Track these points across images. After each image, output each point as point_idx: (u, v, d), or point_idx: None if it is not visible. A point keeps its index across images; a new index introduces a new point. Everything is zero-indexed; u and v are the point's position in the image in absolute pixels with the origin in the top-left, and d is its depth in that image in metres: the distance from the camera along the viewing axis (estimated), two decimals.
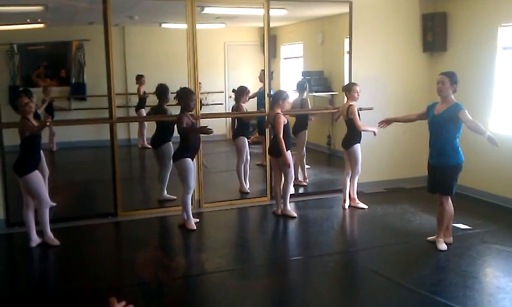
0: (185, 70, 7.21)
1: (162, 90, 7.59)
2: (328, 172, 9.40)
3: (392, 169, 8.30)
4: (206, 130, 6.21)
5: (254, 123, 8.97)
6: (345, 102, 7.35)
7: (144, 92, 10.69)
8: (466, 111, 5.39)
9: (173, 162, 6.59)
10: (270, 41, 7.60)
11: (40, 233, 5.99)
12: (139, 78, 10.86)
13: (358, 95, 7.14)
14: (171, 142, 7.40)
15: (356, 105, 7.11)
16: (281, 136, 6.60)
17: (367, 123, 7.09)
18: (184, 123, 6.28)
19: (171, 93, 7.33)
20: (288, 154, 6.72)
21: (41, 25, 9.89)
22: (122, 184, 7.15)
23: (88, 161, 10.38)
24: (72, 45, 11.48)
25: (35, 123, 5.85)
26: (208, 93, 10.88)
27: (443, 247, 5.71)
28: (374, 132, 6.90)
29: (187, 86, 6.89)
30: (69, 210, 7.38)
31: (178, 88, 6.54)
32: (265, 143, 7.92)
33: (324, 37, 9.97)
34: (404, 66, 8.32)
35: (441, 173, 5.55)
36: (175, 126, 6.53)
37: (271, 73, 7.79)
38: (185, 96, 6.36)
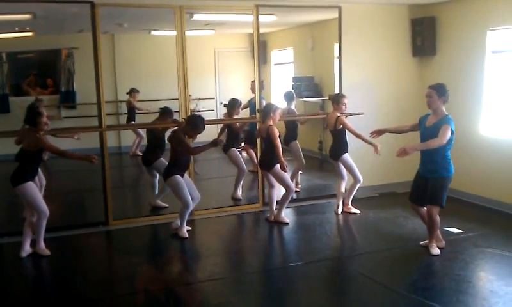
0: (175, 77, 7.18)
1: (165, 112, 7.44)
2: (319, 177, 9.39)
3: (384, 173, 8.30)
4: (216, 143, 6.34)
5: (245, 129, 8.93)
6: (330, 111, 7.34)
7: (133, 104, 10.60)
8: (450, 128, 5.32)
9: (164, 180, 6.54)
10: (260, 47, 7.59)
11: (33, 242, 5.94)
12: (132, 92, 10.73)
13: (346, 107, 7.15)
14: (162, 158, 7.36)
15: (342, 115, 7.13)
16: (279, 144, 6.60)
17: (357, 128, 7.08)
18: (185, 148, 6.28)
19: (162, 100, 7.29)
20: (277, 167, 6.70)
21: (30, 34, 9.84)
22: (113, 192, 7.10)
23: (79, 170, 10.26)
24: (62, 53, 11.41)
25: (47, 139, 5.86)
26: (199, 99, 10.85)
27: (436, 251, 5.70)
28: (375, 148, 6.83)
29: (201, 116, 6.81)
30: (60, 219, 7.30)
31: (172, 100, 6.49)
32: (251, 151, 7.92)
33: (314, 42, 9.98)
34: (394, 70, 8.34)
35: (433, 184, 5.54)
36: (166, 139, 6.51)
37: (261, 82, 7.77)
38: (196, 127, 6.34)
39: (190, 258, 6.26)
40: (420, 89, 8.16)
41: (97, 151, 7.00)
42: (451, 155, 5.54)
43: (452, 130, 5.36)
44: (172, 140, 6.40)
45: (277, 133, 6.66)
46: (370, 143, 6.79)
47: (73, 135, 6.69)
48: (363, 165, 7.72)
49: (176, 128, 6.73)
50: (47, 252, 5.93)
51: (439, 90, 5.49)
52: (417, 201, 5.77)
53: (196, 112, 8.04)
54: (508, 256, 5.67)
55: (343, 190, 7.31)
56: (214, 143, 6.37)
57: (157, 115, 7.58)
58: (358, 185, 7.26)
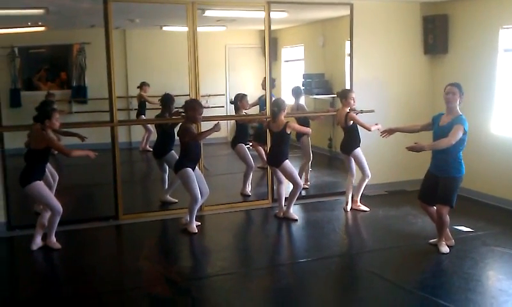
0: (186, 73, 7.21)
1: (166, 100, 7.57)
2: (329, 174, 9.38)
3: (393, 171, 8.29)
4: (215, 129, 6.27)
5: (254, 126, 8.94)
6: (339, 107, 7.34)
7: (144, 97, 10.67)
8: (462, 128, 5.30)
9: (174, 172, 6.58)
10: (271, 44, 7.60)
11: (44, 236, 6.00)
12: (143, 86, 10.82)
13: (354, 102, 7.16)
14: (173, 151, 7.41)
15: (351, 109, 7.13)
16: (300, 127, 7.25)
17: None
18: (190, 136, 6.28)
19: (174, 95, 7.31)
20: (287, 163, 6.74)
21: (42, 29, 9.88)
22: (123, 187, 7.15)
23: (89, 164, 10.30)
24: (73, 48, 11.47)
25: (53, 135, 5.89)
26: (209, 95, 10.87)
27: (446, 249, 5.69)
28: (380, 133, 6.79)
29: (194, 98, 6.88)
30: (70, 213, 7.33)
31: (182, 96, 6.53)
32: (260, 148, 7.95)
33: (325, 39, 9.96)
34: (405, 68, 8.31)
35: (443, 184, 5.52)
36: (176, 133, 6.54)
37: (272, 81, 7.78)
38: (193, 108, 6.36)
39: (199, 253, 6.29)
40: (431, 88, 8.19)
41: (108, 146, 7.06)
42: (463, 154, 5.52)
43: (465, 130, 5.34)
44: (179, 133, 6.44)
45: (297, 125, 7.08)
46: (378, 127, 6.85)
47: (80, 138, 6.75)
48: (372, 163, 7.71)
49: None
50: (58, 245, 5.98)
51: (460, 88, 5.50)
52: (427, 200, 5.76)
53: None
54: None
55: (351, 186, 7.31)
56: (216, 127, 6.30)
57: None
58: (366, 181, 7.26)
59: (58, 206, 5.88)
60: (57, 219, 5.92)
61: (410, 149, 5.27)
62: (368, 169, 7.21)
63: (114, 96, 6.91)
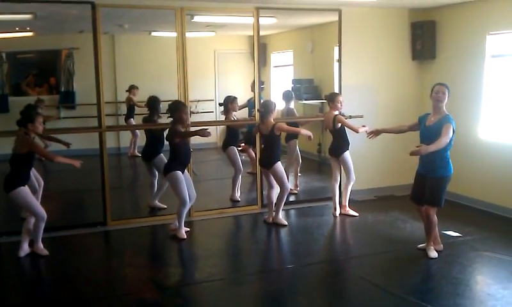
0: (175, 78, 7.19)
1: (152, 102, 7.58)
2: (318, 180, 9.39)
3: (382, 176, 8.32)
4: (204, 133, 6.16)
5: (243, 132, 8.95)
6: (327, 111, 7.37)
7: (133, 101, 10.63)
8: (452, 127, 5.35)
9: (163, 175, 6.57)
10: (260, 50, 7.62)
11: (31, 242, 5.94)
12: (132, 89, 10.77)
13: (341, 105, 7.19)
14: (162, 154, 7.38)
15: (340, 113, 7.16)
16: (291, 128, 7.09)
17: None
18: (179, 135, 6.26)
19: (163, 101, 7.31)
20: (279, 165, 6.74)
21: (30, 34, 9.84)
22: (112, 193, 7.11)
23: (77, 170, 10.27)
24: (62, 53, 11.41)
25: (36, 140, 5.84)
26: (198, 101, 10.85)
27: (434, 254, 5.71)
28: (366, 131, 6.78)
29: (178, 99, 6.88)
30: (58, 219, 7.30)
31: (170, 101, 6.52)
32: (251, 152, 7.94)
33: (313, 45, 9.99)
34: (393, 74, 8.36)
35: (431, 184, 5.56)
36: (165, 137, 6.52)
37: (261, 84, 7.79)
38: (178, 109, 6.34)
39: (188, 259, 6.27)
40: (420, 93, 8.23)
41: (96, 151, 7.03)
42: (451, 155, 5.55)
43: (453, 129, 5.39)
44: (168, 136, 6.42)
45: (285, 125, 6.93)
46: (365, 129, 6.82)
47: (65, 145, 6.72)
48: (362, 168, 7.76)
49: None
50: (45, 252, 5.93)
51: (448, 89, 5.55)
52: (418, 200, 5.78)
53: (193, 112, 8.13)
54: (506, 259, 5.68)
55: (337, 191, 7.32)
56: (205, 132, 6.18)
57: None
58: (351, 184, 7.28)
59: (42, 212, 5.83)
60: (42, 225, 5.86)
61: (415, 153, 5.25)
62: (353, 173, 7.22)
63: (103, 101, 6.88)
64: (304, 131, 6.92)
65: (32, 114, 5.82)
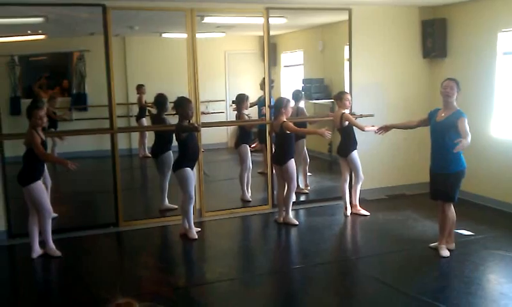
0: (186, 79, 7.23)
1: (160, 100, 7.63)
2: (329, 179, 9.38)
3: (393, 175, 8.29)
4: (194, 128, 6.23)
5: (255, 131, 8.98)
6: (336, 110, 7.37)
7: (146, 102, 10.70)
8: (466, 120, 5.35)
9: (173, 171, 6.60)
10: (270, 50, 7.63)
11: (42, 243, 5.98)
12: (140, 88, 10.87)
13: (350, 103, 7.20)
14: (171, 151, 7.42)
15: (347, 112, 7.15)
16: (299, 129, 6.92)
17: None
18: (185, 129, 6.29)
19: (171, 102, 7.34)
20: (292, 162, 6.75)
21: (42, 37, 9.92)
22: (123, 194, 7.15)
23: (89, 171, 10.36)
24: (73, 55, 11.50)
25: (42, 135, 5.85)
26: (209, 101, 10.88)
27: (446, 253, 5.68)
28: (375, 131, 6.75)
29: (184, 95, 6.91)
30: (70, 220, 7.37)
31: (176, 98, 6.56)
32: (266, 152, 7.95)
33: (324, 44, 9.98)
34: (404, 72, 8.33)
35: (444, 180, 5.54)
36: (174, 135, 6.55)
37: (271, 82, 7.81)
38: (183, 105, 6.38)
39: (199, 259, 6.29)
40: (431, 91, 8.19)
41: (108, 153, 7.08)
42: (463, 153, 5.52)
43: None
44: (176, 133, 6.44)
45: (292, 125, 6.76)
46: (373, 129, 6.74)
47: (61, 139, 6.79)
48: (372, 167, 7.74)
49: None
50: (58, 253, 5.97)
51: (458, 83, 5.53)
52: (435, 198, 5.75)
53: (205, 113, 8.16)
54: None
55: (347, 190, 7.31)
56: (195, 127, 6.29)
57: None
58: (360, 184, 7.26)
59: (50, 208, 5.90)
60: (49, 222, 5.90)
61: (459, 148, 5.20)
62: (361, 172, 7.20)
63: (114, 103, 6.93)
64: (317, 130, 6.92)
65: (32, 107, 5.85)
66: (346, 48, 8.13)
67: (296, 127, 6.84)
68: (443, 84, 5.57)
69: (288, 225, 6.94)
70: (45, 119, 5.90)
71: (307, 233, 6.90)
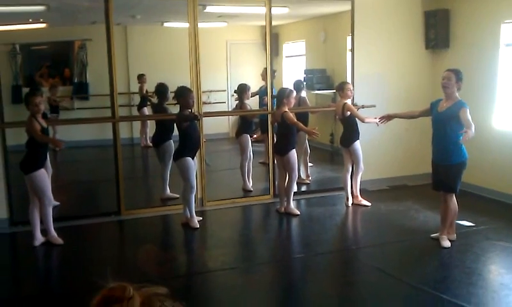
0: (188, 69, 7.22)
1: (161, 89, 7.63)
2: (330, 170, 9.39)
3: (394, 166, 8.29)
4: (195, 116, 6.29)
5: (257, 121, 8.98)
6: (338, 100, 7.37)
7: (147, 91, 10.71)
8: (468, 110, 5.33)
9: (174, 161, 6.61)
10: (272, 40, 7.61)
11: (44, 232, 5.99)
12: (141, 77, 10.88)
13: (352, 93, 7.20)
14: (171, 141, 7.42)
15: (349, 102, 7.15)
16: (298, 123, 6.72)
17: None
18: (186, 118, 6.29)
19: (171, 91, 7.35)
20: (293, 152, 6.75)
21: (43, 25, 9.90)
22: (125, 183, 7.16)
23: (91, 160, 10.40)
24: (74, 44, 11.49)
25: (43, 123, 5.85)
26: (211, 91, 10.88)
27: (447, 244, 5.69)
28: (377, 123, 6.75)
29: (185, 85, 6.91)
30: (72, 208, 7.39)
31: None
32: (268, 142, 7.95)
33: (326, 35, 9.96)
34: (406, 63, 8.30)
35: (445, 171, 5.53)
36: (175, 124, 6.56)
37: (273, 72, 7.80)
38: (184, 94, 6.38)
39: (201, 248, 6.31)
40: (433, 82, 8.15)
41: (110, 142, 7.08)
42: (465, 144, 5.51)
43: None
44: (177, 122, 6.46)
45: (292, 117, 6.71)
46: (375, 121, 6.72)
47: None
48: (374, 158, 7.74)
49: None
50: (60, 241, 5.98)
51: (457, 74, 5.48)
52: (437, 188, 5.75)
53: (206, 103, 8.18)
54: None
55: (349, 181, 7.32)
56: (195, 116, 6.39)
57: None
58: (360, 174, 7.26)
59: (52, 197, 5.93)
60: (50, 211, 5.91)
61: (465, 139, 5.18)
62: (362, 163, 7.21)
63: (116, 92, 6.92)
64: (309, 130, 6.87)
65: (27, 95, 5.86)
66: (348, 38, 8.11)
67: (294, 119, 6.71)
68: (442, 75, 5.56)
69: (289, 215, 6.95)
70: (42, 106, 5.89)
71: (308, 223, 6.91)
